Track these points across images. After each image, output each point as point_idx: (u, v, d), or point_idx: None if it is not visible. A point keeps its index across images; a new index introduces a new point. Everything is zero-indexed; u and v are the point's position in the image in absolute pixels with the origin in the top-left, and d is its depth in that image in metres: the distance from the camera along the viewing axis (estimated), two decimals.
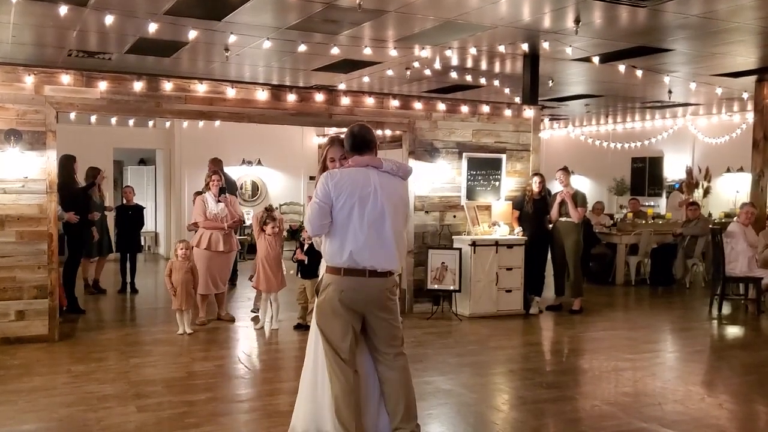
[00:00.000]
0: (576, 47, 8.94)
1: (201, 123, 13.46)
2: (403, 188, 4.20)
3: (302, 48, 9.01)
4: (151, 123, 14.55)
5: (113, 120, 12.43)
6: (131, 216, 10.35)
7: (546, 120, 17.23)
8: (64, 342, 7.08)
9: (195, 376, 5.97)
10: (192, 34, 8.12)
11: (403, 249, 4.23)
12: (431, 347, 7.11)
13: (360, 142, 4.13)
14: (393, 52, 9.27)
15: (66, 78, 7.08)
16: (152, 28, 7.85)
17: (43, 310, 7.02)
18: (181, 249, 7.60)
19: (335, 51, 9.25)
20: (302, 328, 7.75)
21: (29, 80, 6.93)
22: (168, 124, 14.59)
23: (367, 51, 9.14)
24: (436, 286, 8.66)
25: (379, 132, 11.98)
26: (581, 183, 17.19)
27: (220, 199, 8.22)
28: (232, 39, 8.58)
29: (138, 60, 10.26)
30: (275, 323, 7.88)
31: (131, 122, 13.37)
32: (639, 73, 10.12)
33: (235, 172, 14.90)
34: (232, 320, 8.21)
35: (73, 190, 8.58)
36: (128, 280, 10.31)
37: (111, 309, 9.16)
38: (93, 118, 12.06)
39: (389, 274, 4.07)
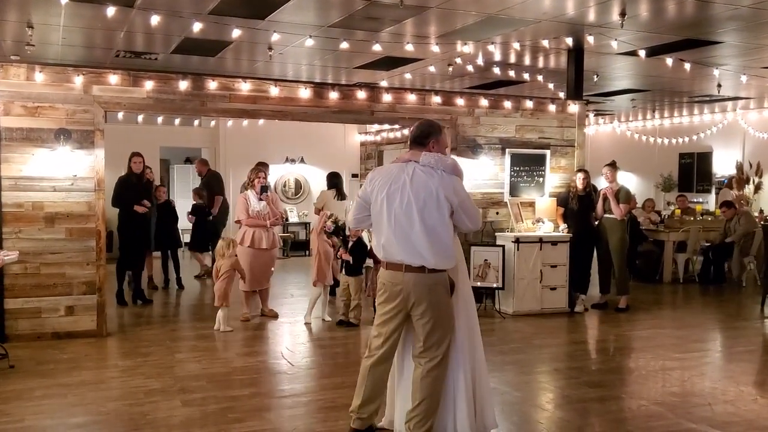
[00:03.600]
0: (622, 41, 8.79)
1: (245, 122, 13.61)
2: (440, 182, 4.01)
3: (344, 46, 9.03)
4: (196, 122, 14.76)
5: (159, 119, 12.63)
6: (165, 212, 10.37)
7: (591, 115, 17.00)
8: (111, 337, 7.22)
9: (239, 372, 6.02)
10: (236, 34, 8.20)
11: (442, 245, 4.03)
12: None
13: (412, 138, 4.27)
14: (435, 49, 9.23)
15: (114, 78, 7.20)
16: (197, 27, 7.95)
17: (91, 306, 7.15)
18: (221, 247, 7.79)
19: (377, 48, 9.24)
20: (345, 324, 7.78)
21: (78, 80, 7.07)
22: (213, 123, 14.77)
23: (409, 48, 9.12)
24: (478, 284, 8.58)
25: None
26: (627, 179, 16.92)
27: (262, 198, 8.29)
28: (275, 38, 8.64)
29: (183, 60, 10.42)
30: (327, 315, 8.13)
31: (177, 121, 13.59)
32: (687, 66, 9.90)
33: (278, 170, 15.05)
34: (276, 316, 8.27)
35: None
36: (170, 276, 10.44)
37: (157, 304, 9.29)
38: (140, 118, 12.27)
39: (426, 270, 4.02)
